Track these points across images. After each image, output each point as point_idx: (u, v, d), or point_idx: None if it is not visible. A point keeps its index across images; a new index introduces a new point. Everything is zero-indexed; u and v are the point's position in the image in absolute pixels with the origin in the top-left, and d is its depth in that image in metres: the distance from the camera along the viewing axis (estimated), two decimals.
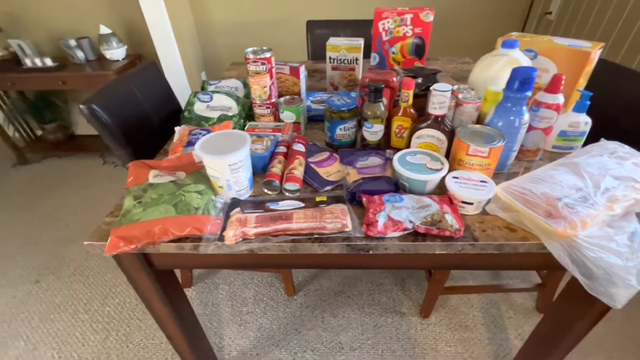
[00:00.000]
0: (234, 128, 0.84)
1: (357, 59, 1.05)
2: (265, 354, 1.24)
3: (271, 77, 0.80)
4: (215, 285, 1.50)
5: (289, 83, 0.91)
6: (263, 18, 2.12)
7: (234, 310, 1.39)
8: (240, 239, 0.57)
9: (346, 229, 0.58)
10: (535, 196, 0.58)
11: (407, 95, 0.72)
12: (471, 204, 0.61)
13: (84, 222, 1.84)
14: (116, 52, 2.05)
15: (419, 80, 0.82)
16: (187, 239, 0.58)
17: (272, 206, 0.64)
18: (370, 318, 1.35)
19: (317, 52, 1.74)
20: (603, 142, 0.73)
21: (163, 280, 0.71)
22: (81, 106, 0.88)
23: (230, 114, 0.87)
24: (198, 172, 0.68)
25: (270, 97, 0.83)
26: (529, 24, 2.10)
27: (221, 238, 0.58)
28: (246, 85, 0.97)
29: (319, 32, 1.74)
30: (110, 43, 2.03)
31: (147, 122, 1.09)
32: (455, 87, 0.81)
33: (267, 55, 0.76)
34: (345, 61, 1.06)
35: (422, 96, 0.81)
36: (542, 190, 0.58)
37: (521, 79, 0.62)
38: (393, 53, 1.05)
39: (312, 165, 0.74)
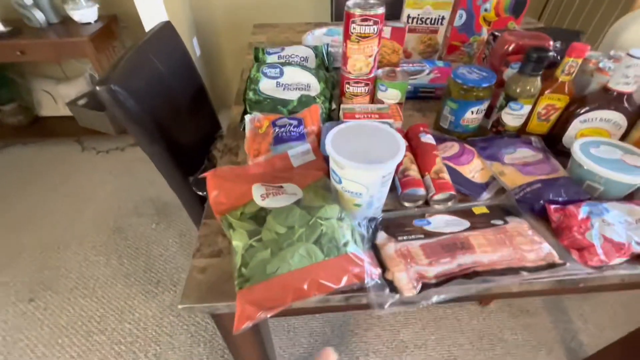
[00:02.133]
0: (321, 114, 0.63)
1: (443, 19, 0.84)
2: None
3: (379, 42, 0.59)
4: None
5: (386, 50, 0.70)
6: None
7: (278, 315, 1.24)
8: (419, 286, 0.40)
9: (556, 259, 0.42)
10: None
11: (575, 65, 0.54)
12: None
13: (75, 223, 1.55)
14: (86, 13, 1.65)
15: (557, 44, 0.64)
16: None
17: (427, 227, 0.47)
18: (427, 311, 1.26)
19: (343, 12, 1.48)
20: None
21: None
22: (98, 88, 0.62)
23: (312, 93, 0.65)
24: (315, 185, 0.48)
25: (372, 70, 0.62)
26: None
27: (390, 286, 0.40)
28: (319, 55, 0.74)
29: None
30: (76, 1, 1.63)
31: (176, 105, 0.84)
32: (593, 52, 0.64)
33: (379, 11, 0.55)
34: (428, 20, 0.84)
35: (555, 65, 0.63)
36: None
37: None
38: (485, 10, 0.85)
39: (448, 163, 0.56)
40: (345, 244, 0.40)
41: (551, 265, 0.42)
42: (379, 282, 0.40)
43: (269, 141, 0.56)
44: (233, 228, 0.42)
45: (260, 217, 0.42)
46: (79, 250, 1.45)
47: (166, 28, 0.89)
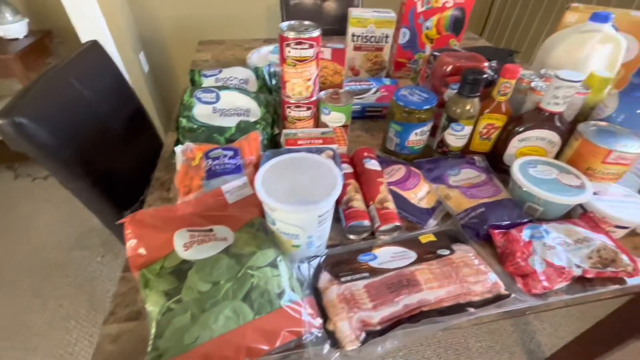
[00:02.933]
0: (262, 141, 0.59)
1: (387, 37, 0.84)
2: None
3: (318, 65, 0.56)
4: None
5: (327, 72, 0.67)
6: None
7: None
8: (363, 335, 0.36)
9: (501, 290, 0.41)
10: None
11: (509, 86, 0.55)
12: (626, 227, 0.48)
13: (6, 263, 1.37)
14: (13, 28, 1.50)
15: (493, 63, 0.65)
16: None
17: (372, 263, 0.44)
18: None
19: None
20: None
21: None
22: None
23: (251, 119, 0.61)
24: (250, 225, 0.43)
25: (312, 93, 0.59)
26: None
27: (332, 338, 0.36)
28: (259, 77, 0.70)
29: (296, 2, 1.45)
30: (1, 14, 1.47)
31: (106, 132, 0.76)
32: (526, 71, 0.67)
33: (315, 34, 0.52)
34: (373, 39, 0.84)
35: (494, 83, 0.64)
36: None
37: None
38: (427, 28, 0.86)
39: (394, 188, 0.54)
40: (280, 295, 0.36)
41: (497, 298, 0.40)
42: (319, 335, 0.36)
43: (201, 175, 0.50)
44: (149, 287, 0.36)
45: (182, 271, 0.37)
46: (11, 293, 1.28)
47: (93, 48, 0.81)
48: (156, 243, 0.40)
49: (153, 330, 0.33)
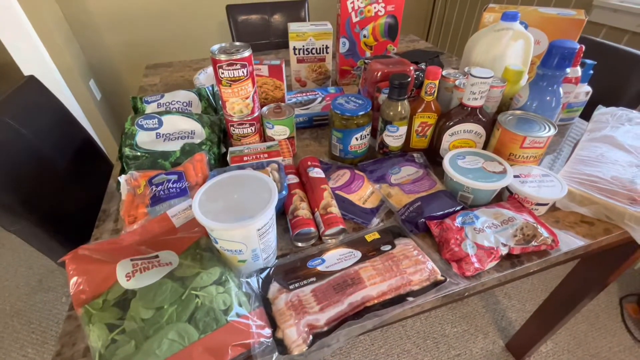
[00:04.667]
0: (210, 161, 0.60)
1: (327, 47, 0.88)
2: None
3: (253, 83, 0.58)
4: None
5: (268, 87, 0.69)
6: (158, 7, 1.71)
7: None
8: (310, 338, 0.38)
9: (438, 277, 0.44)
10: (607, 182, 0.53)
11: (433, 86, 0.59)
12: (546, 204, 0.53)
13: None
14: None
15: (422, 65, 0.70)
16: None
17: (320, 267, 0.46)
18: None
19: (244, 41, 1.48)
20: (603, 109, 0.74)
21: None
22: None
23: (196, 141, 0.61)
24: (195, 246, 0.44)
25: (253, 110, 0.61)
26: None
27: (280, 345, 0.38)
28: (203, 98, 0.71)
29: (243, 18, 1.48)
30: None
31: (50, 169, 0.74)
32: (452, 70, 0.72)
33: (246, 54, 0.54)
34: (314, 50, 0.87)
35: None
36: (611, 174, 0.53)
37: (562, 54, 0.55)
38: (364, 36, 0.90)
39: (340, 193, 0.57)
40: (227, 311, 0.37)
41: (434, 284, 0.44)
42: (269, 344, 0.37)
43: (146, 203, 0.51)
44: (92, 322, 0.36)
45: (127, 301, 0.37)
46: None
47: (30, 84, 0.79)
48: (99, 277, 0.40)
49: None
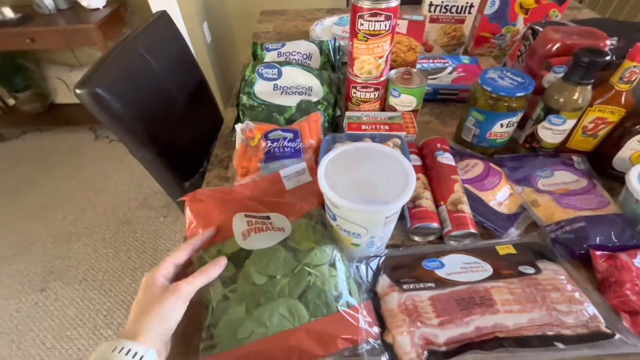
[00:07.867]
0: (323, 123, 0.55)
1: (472, 6, 0.72)
2: None
3: (392, 40, 0.49)
4: None
5: (401, 48, 0.60)
6: None
7: None
8: (425, 355, 0.33)
9: (602, 327, 0.34)
10: None
11: (638, 71, 0.43)
12: None
13: (86, 214, 1.56)
14: None
15: (614, 41, 0.52)
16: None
17: (439, 272, 0.39)
18: None
19: None
20: None
21: None
22: (78, 91, 0.57)
23: (313, 99, 0.57)
24: (309, 216, 0.41)
25: (382, 73, 0.53)
26: None
27: (389, 351, 0.33)
28: (323, 52, 0.65)
29: None
30: None
31: (171, 105, 0.78)
32: None
33: (393, 3, 0.45)
34: (454, 9, 0.73)
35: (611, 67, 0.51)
36: None
37: None
38: None
39: (469, 187, 0.48)
40: (338, 298, 0.34)
41: (595, 336, 0.34)
42: (376, 345, 0.33)
43: (259, 157, 0.49)
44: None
45: (240, 258, 0.36)
46: (89, 241, 1.46)
47: (162, 19, 0.82)
48: (213, 223, 0.39)
49: (209, 318, 0.32)
